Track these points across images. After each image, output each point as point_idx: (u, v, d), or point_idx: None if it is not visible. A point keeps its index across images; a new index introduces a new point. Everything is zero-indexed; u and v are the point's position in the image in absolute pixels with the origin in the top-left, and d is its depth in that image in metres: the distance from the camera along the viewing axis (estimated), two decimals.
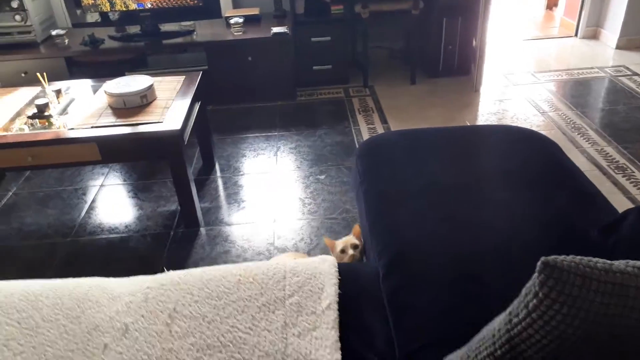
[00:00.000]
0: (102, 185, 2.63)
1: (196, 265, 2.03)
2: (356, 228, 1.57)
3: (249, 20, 3.45)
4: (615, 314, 0.68)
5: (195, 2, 3.21)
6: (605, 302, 0.67)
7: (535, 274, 0.71)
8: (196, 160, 2.80)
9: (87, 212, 2.43)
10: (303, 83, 3.56)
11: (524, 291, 0.76)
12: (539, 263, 0.70)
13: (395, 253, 1.35)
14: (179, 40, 3.28)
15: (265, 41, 3.23)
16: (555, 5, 4.97)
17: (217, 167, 2.75)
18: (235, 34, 3.30)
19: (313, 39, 3.42)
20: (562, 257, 0.70)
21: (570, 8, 4.39)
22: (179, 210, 2.37)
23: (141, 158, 2.50)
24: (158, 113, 2.08)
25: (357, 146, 2.83)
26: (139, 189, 2.59)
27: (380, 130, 2.99)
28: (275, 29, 3.26)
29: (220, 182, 2.62)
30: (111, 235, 2.26)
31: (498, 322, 0.84)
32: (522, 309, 0.75)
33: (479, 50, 3.32)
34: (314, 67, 3.51)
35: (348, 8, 3.39)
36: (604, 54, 3.89)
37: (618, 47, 3.92)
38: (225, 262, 2.05)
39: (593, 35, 4.19)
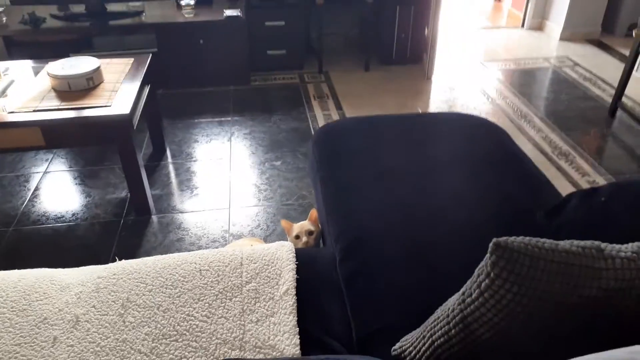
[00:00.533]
0: (46, 172, 2.51)
1: (148, 254, 1.98)
2: (313, 213, 1.58)
3: (201, 2, 3.35)
4: (560, 292, 0.71)
5: None
6: (552, 281, 0.71)
7: (487, 255, 0.74)
8: (146, 145, 2.72)
9: (30, 199, 2.32)
10: (257, 68, 3.52)
11: (476, 272, 0.78)
12: (490, 244, 0.73)
13: (352, 239, 1.37)
14: (127, 21, 3.15)
15: (218, 24, 3.15)
16: None
17: (168, 152, 2.68)
18: (186, 16, 3.20)
19: (267, 23, 3.37)
20: (512, 238, 0.73)
21: (517, 0, 4.53)
22: (129, 197, 2.30)
23: (88, 143, 2.40)
24: (105, 96, 2.00)
25: (312, 132, 2.83)
26: (86, 175, 2.49)
27: (335, 116, 3.00)
28: (228, 12, 3.19)
29: (171, 168, 2.56)
30: (57, 224, 2.17)
31: (452, 303, 0.86)
32: (474, 289, 0.78)
33: (431, 39, 3.38)
34: (268, 52, 3.47)
35: None
36: (548, 45, 4.05)
37: (562, 39, 4.09)
38: (179, 251, 2.01)
39: (539, 26, 4.35)
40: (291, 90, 3.34)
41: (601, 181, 2.38)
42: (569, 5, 3.94)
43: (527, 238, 0.74)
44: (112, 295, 1.20)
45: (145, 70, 2.24)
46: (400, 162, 1.65)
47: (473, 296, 0.78)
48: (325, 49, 3.71)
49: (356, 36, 4.01)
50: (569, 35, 4.09)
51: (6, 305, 1.18)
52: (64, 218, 2.20)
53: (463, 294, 0.81)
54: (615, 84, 3.31)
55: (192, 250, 1.44)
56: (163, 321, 1.14)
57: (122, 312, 1.16)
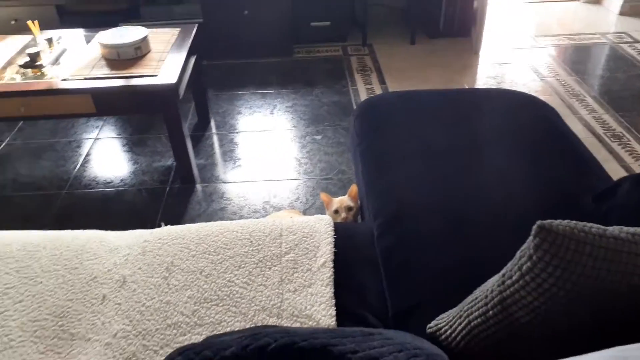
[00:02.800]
0: (96, 139, 2.61)
1: (192, 221, 2.04)
2: (353, 188, 1.58)
3: None
4: (606, 279, 0.70)
5: None
6: (598, 267, 0.69)
7: (531, 237, 0.72)
8: (191, 116, 2.77)
9: (82, 165, 2.42)
10: (300, 39, 3.49)
11: (518, 254, 0.77)
12: (534, 227, 0.71)
13: (391, 214, 1.37)
14: None
15: None
16: None
17: (212, 123, 2.73)
18: None
19: None
20: (557, 221, 0.71)
21: None
22: (174, 165, 2.37)
23: (136, 112, 2.47)
24: (153, 66, 2.04)
25: (354, 106, 2.80)
26: (134, 143, 2.57)
27: (378, 90, 2.97)
28: None
29: (215, 138, 2.61)
30: (106, 189, 2.26)
31: (491, 284, 0.86)
32: (515, 271, 0.77)
33: (479, 12, 3.26)
34: (312, 24, 3.44)
35: None
36: (606, 20, 3.83)
37: (621, 14, 3.86)
38: (222, 219, 2.06)
39: (596, 0, 4.12)
40: (334, 63, 3.31)
41: None
42: None
43: (574, 222, 0.72)
44: (158, 259, 1.25)
45: (191, 41, 2.27)
46: (442, 139, 1.62)
47: (514, 278, 0.77)
48: (370, 21, 3.64)
49: (402, 8, 3.91)
50: (630, 9, 3.84)
51: (59, 263, 1.24)
52: (112, 183, 2.29)
53: (503, 275, 0.80)
54: None
55: (234, 220, 1.47)
56: (205, 286, 1.19)
57: (167, 275, 1.21)
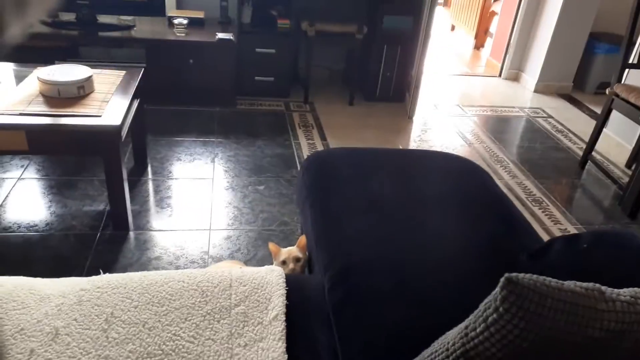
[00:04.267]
0: (20, 179, 2.43)
1: (125, 270, 1.93)
2: (302, 239, 1.58)
3: (193, 23, 3.38)
4: (564, 330, 0.74)
5: None
6: (557, 319, 0.73)
7: (497, 289, 0.75)
8: (127, 159, 2.67)
9: (1, 205, 2.23)
10: (244, 92, 3.53)
11: (482, 306, 0.80)
12: (502, 279, 0.75)
13: (341, 267, 1.37)
14: (117, 34, 3.14)
15: (210, 45, 3.18)
16: (483, 46, 5.35)
17: (149, 169, 2.64)
18: (177, 34, 3.22)
19: (258, 50, 3.41)
20: (522, 274, 0.75)
21: (496, 50, 4.74)
22: (107, 210, 2.25)
23: (73, 152, 2.34)
24: (96, 106, 1.97)
25: (297, 160, 2.84)
26: (63, 185, 2.42)
27: (319, 146, 3.04)
28: (221, 35, 3.22)
29: (152, 184, 2.52)
30: (29, 233, 2.09)
31: (452, 336, 0.87)
32: (480, 323, 0.79)
33: (415, 80, 3.49)
34: (256, 78, 3.50)
35: (295, 24, 3.43)
36: (523, 96, 4.23)
37: (536, 91, 4.29)
38: (157, 269, 1.96)
39: (515, 77, 4.55)
40: (276, 117, 3.37)
41: (572, 230, 2.47)
42: (544, 60, 4.15)
43: (535, 275, 0.76)
44: (96, 309, 1.16)
45: (137, 84, 2.23)
46: (389, 195, 1.67)
47: (478, 330, 0.79)
48: (312, 81, 3.78)
49: (342, 70, 4.10)
50: (543, 88, 4.29)
51: None
52: (37, 227, 2.12)
53: (466, 327, 0.82)
54: (585, 137, 3.48)
55: (169, 270, 1.41)
56: (148, 339, 1.11)
57: (106, 327, 1.12)
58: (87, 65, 2.18)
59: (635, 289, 0.81)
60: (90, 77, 2.05)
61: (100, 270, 1.35)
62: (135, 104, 2.31)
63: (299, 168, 2.74)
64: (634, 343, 0.76)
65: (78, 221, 2.18)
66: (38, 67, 2.10)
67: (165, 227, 2.21)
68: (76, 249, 2.02)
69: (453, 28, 6.23)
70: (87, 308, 1.17)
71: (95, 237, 2.10)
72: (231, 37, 3.21)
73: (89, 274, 1.84)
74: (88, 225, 2.16)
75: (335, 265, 1.39)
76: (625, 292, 0.79)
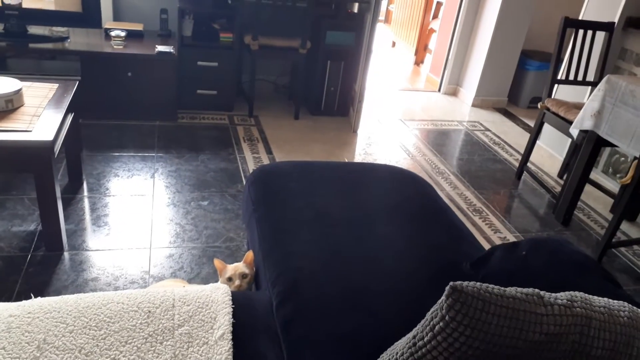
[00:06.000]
0: None
1: (59, 293, 1.81)
2: (249, 255, 1.54)
3: (132, 35, 3.29)
4: (507, 336, 0.76)
5: (74, 9, 2.98)
6: (500, 324, 0.75)
7: (443, 298, 0.76)
8: (61, 176, 2.53)
9: None
10: (185, 105, 3.46)
11: (429, 315, 0.81)
12: (447, 288, 0.76)
13: (289, 282, 1.35)
14: (49, 45, 3.00)
15: (149, 58, 3.09)
16: (422, 62, 5.53)
17: (85, 185, 2.52)
18: (115, 47, 3.11)
19: (199, 63, 3.36)
20: (466, 282, 0.76)
21: (435, 66, 4.92)
22: (38, 231, 2.12)
23: (1, 169, 2.19)
24: (26, 121, 1.86)
25: (242, 174, 2.80)
26: None
27: (265, 160, 3.01)
28: (161, 48, 3.15)
29: (88, 202, 2.40)
30: None
31: (400, 346, 0.88)
32: (427, 332, 0.80)
33: (359, 95, 3.55)
34: (198, 91, 3.44)
35: (237, 37, 3.41)
36: (461, 110, 4.40)
37: (473, 105, 4.48)
38: (94, 291, 1.86)
39: (453, 92, 4.73)
40: (220, 130, 3.32)
41: (511, 238, 2.57)
42: (480, 75, 4.35)
43: (478, 283, 0.78)
44: (27, 336, 1.08)
45: (71, 97, 2.13)
46: (335, 208, 1.68)
47: (425, 339, 0.80)
48: (256, 94, 3.76)
49: (286, 84, 4.11)
50: (480, 102, 4.48)
51: None
52: None
53: (414, 337, 0.83)
54: (520, 149, 3.65)
55: (108, 291, 1.34)
56: None
57: (38, 354, 1.05)
58: (16, 77, 2.07)
59: (571, 292, 0.84)
60: (20, 90, 1.94)
61: (32, 295, 1.26)
62: (70, 118, 2.21)
63: (244, 182, 2.71)
64: (571, 345, 0.79)
65: (6, 242, 2.04)
66: None
67: (102, 247, 2.11)
68: (4, 273, 1.88)
69: (394, 44, 6.41)
70: (17, 335, 1.09)
71: (25, 258, 1.97)
72: (172, 50, 3.14)
73: (18, 298, 1.73)
74: (17, 247, 2.03)
75: (283, 280, 1.37)
76: (562, 296, 0.82)
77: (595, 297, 0.86)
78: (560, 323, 0.78)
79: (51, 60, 3.24)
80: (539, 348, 0.77)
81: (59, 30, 3.15)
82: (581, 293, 0.85)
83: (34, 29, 3.08)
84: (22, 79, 2.13)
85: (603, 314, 0.82)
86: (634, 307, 0.86)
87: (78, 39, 3.16)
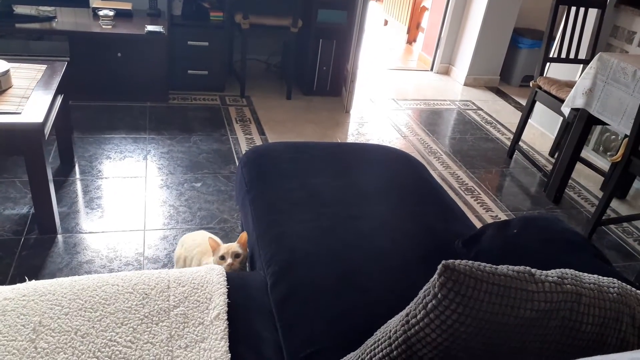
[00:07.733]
0: None
1: (53, 276, 1.82)
2: (243, 235, 1.55)
3: (121, 15, 3.24)
4: (499, 313, 0.77)
5: None
6: (492, 302, 0.76)
7: (435, 276, 0.77)
8: (52, 159, 2.52)
9: None
10: (177, 86, 3.43)
11: (421, 293, 0.82)
12: (439, 266, 0.77)
13: (283, 262, 1.37)
14: (36, 25, 2.94)
15: (139, 38, 3.05)
16: (415, 40, 5.49)
17: (77, 168, 2.50)
18: (104, 27, 3.06)
19: (190, 42, 3.32)
20: (458, 260, 0.77)
21: (427, 45, 4.88)
22: (31, 214, 2.11)
23: None
24: (15, 103, 1.83)
25: (235, 155, 2.79)
26: None
27: (258, 141, 3.00)
28: (150, 27, 3.10)
29: (80, 185, 2.39)
30: None
31: (393, 324, 0.89)
32: (420, 310, 0.81)
33: (351, 74, 3.52)
34: (189, 71, 3.41)
35: (228, 16, 3.36)
36: (454, 89, 4.39)
37: (466, 84, 4.47)
38: (89, 273, 1.87)
39: (445, 71, 4.71)
40: (212, 111, 3.29)
41: (503, 216, 2.60)
42: (473, 54, 4.33)
43: (470, 261, 0.79)
44: (22, 319, 1.09)
45: (60, 79, 2.10)
46: (328, 188, 1.68)
47: (418, 317, 0.81)
48: (248, 74, 3.72)
49: (278, 64, 4.07)
50: (472, 81, 4.47)
51: None
52: None
53: (407, 315, 0.84)
54: (512, 128, 3.66)
55: (103, 273, 1.35)
56: (81, 347, 1.05)
57: (34, 337, 1.05)
58: (3, 59, 2.03)
59: (562, 269, 0.86)
60: (7, 71, 1.91)
61: (26, 278, 1.26)
62: (59, 99, 2.18)
63: (237, 164, 2.70)
64: (561, 321, 0.80)
65: None
66: None
67: (96, 229, 2.11)
68: None
69: (386, 23, 6.35)
70: (12, 318, 1.09)
71: (19, 242, 1.97)
72: (161, 30, 3.10)
73: (12, 282, 1.73)
74: (10, 230, 2.02)
75: (277, 260, 1.38)
76: (553, 273, 0.83)
77: (585, 274, 0.87)
78: (550, 300, 0.79)
79: (39, 41, 3.18)
80: (530, 324, 0.78)
81: (45, 9, 3.08)
82: (571, 270, 0.86)
83: (20, 9, 3.02)
84: (9, 60, 2.10)
85: (593, 290, 0.83)
86: (623, 284, 0.88)
87: (65, 19, 3.11)
